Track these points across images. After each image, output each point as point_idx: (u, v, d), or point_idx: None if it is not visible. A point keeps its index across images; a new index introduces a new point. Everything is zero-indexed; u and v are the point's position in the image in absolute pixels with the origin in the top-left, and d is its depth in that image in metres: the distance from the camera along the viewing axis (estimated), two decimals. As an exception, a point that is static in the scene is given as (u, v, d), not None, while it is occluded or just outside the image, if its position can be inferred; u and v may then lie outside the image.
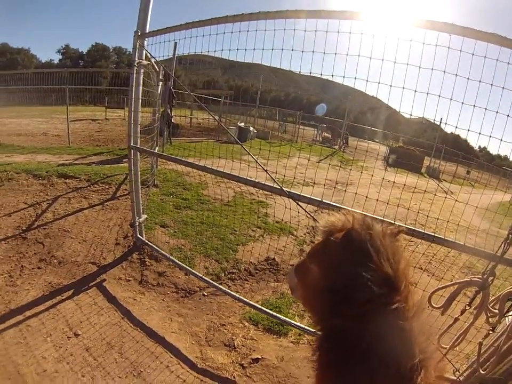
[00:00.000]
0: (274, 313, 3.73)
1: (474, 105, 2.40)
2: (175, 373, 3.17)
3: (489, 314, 2.20)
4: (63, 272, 4.50)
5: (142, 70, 4.63)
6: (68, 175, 7.29)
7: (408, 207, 3.97)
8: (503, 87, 2.30)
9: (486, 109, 2.37)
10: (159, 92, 7.28)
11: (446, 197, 3.53)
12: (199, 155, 5.82)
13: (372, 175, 3.88)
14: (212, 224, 5.97)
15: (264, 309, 3.80)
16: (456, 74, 2.43)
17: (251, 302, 3.91)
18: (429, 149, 27.56)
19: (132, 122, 4.56)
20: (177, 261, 4.57)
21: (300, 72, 3.26)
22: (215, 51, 3.50)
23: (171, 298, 4.30)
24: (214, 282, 4.26)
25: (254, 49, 3.16)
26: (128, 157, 4.72)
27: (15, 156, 9.70)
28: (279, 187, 3.19)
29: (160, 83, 7.31)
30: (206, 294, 4.40)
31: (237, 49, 3.29)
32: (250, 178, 3.44)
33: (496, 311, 2.16)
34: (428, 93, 2.59)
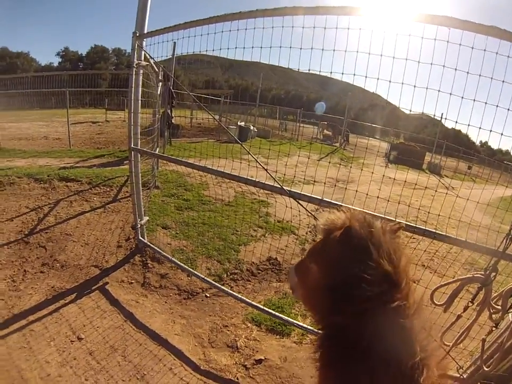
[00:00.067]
0: (277, 314, 3.72)
1: (474, 100, 2.38)
2: (178, 375, 3.17)
3: (492, 311, 2.19)
4: (66, 275, 4.50)
5: (141, 71, 4.63)
6: (69, 178, 7.29)
7: (409, 203, 3.95)
8: (503, 81, 2.28)
9: (486, 103, 2.35)
10: (158, 92, 7.28)
11: (447, 193, 3.51)
12: (200, 155, 5.82)
13: (372, 172, 3.87)
14: (213, 225, 5.97)
15: (267, 309, 3.79)
16: (455, 69, 2.41)
17: (253, 303, 3.90)
18: (430, 145, 27.50)
19: (132, 123, 4.55)
20: (179, 263, 4.57)
21: (298, 69, 3.24)
22: (213, 50, 3.49)
23: (173, 300, 4.30)
24: (216, 283, 4.25)
25: (253, 47, 3.16)
26: (129, 158, 4.72)
27: (17, 160, 9.72)
28: (279, 186, 3.18)
29: (160, 84, 7.32)
30: (208, 295, 4.40)
31: (235, 48, 3.29)
32: (250, 178, 3.43)
33: (499, 307, 2.15)
34: (427, 88, 2.57)
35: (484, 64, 2.32)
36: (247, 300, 3.95)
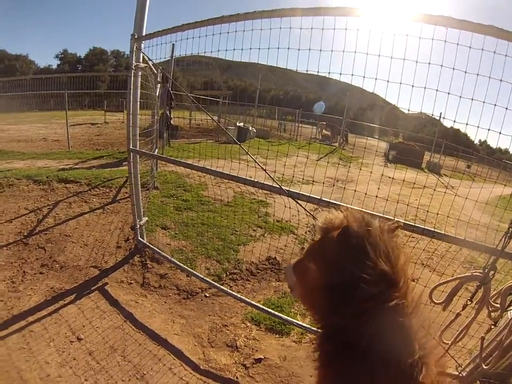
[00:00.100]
0: (276, 313, 3.73)
1: (472, 99, 2.39)
2: (178, 375, 3.17)
3: (491, 309, 2.19)
4: (65, 276, 4.50)
5: (140, 73, 4.63)
6: (68, 179, 7.29)
7: (408, 202, 3.95)
8: (500, 80, 2.29)
9: (484, 102, 2.36)
10: (157, 94, 7.28)
11: (446, 192, 3.52)
12: (199, 156, 5.83)
13: (371, 172, 3.88)
14: (212, 225, 5.97)
15: (266, 308, 3.80)
16: (453, 68, 2.42)
17: (253, 302, 3.91)
18: (429, 144, 27.53)
19: (131, 125, 4.55)
20: (178, 263, 4.57)
21: (296, 70, 3.25)
22: (211, 52, 3.51)
23: (173, 300, 4.30)
24: (215, 283, 4.25)
25: (251, 48, 3.16)
26: (128, 159, 4.72)
27: (15, 162, 9.71)
28: (278, 186, 3.18)
29: (159, 85, 7.32)
30: (207, 295, 4.40)
31: (233, 49, 3.29)
32: (249, 178, 3.43)
33: (498, 305, 2.15)
34: (425, 88, 2.58)
35: (482, 63, 2.33)
36: (246, 299, 3.95)
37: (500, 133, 2.39)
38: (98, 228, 5.65)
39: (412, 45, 2.55)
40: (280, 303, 4.25)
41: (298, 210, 3.42)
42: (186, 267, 4.51)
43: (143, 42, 4.41)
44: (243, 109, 29.40)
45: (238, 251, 5.30)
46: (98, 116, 25.25)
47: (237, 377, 3.21)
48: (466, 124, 2.55)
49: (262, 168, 3.33)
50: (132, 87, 4.46)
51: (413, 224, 2.67)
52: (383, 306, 0.93)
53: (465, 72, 2.37)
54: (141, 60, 4.55)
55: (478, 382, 2.71)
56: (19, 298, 4.01)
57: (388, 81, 2.65)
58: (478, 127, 2.46)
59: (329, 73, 3.01)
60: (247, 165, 3.76)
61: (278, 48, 3.04)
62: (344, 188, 3.79)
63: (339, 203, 2.76)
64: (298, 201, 3.13)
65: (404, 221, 2.55)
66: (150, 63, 5.02)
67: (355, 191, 3.30)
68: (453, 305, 2.27)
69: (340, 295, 0.99)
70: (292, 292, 1.36)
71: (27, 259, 4.78)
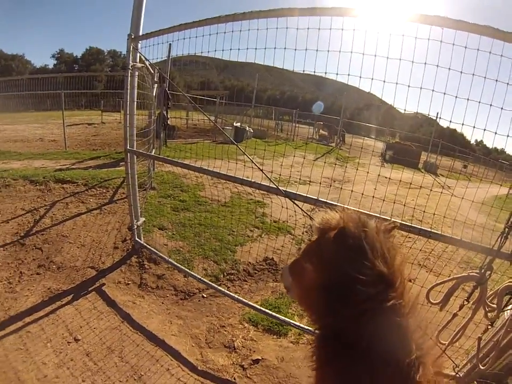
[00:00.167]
0: (273, 314, 3.73)
1: (468, 99, 2.39)
2: (175, 376, 3.17)
3: (487, 309, 2.20)
4: (62, 277, 4.50)
5: (137, 73, 4.62)
6: (65, 180, 7.28)
7: (404, 203, 3.96)
8: (496, 80, 2.29)
9: (479, 102, 2.37)
10: (154, 94, 7.28)
11: (442, 192, 3.53)
12: (196, 156, 5.83)
13: (368, 172, 3.89)
14: (209, 226, 5.97)
15: (264, 309, 3.80)
16: (449, 68, 2.43)
17: (250, 303, 3.91)
18: (426, 144, 27.57)
19: (128, 125, 4.55)
20: (176, 263, 4.57)
21: (293, 70, 3.26)
22: (208, 52, 3.50)
23: (170, 301, 4.30)
24: (213, 284, 4.25)
25: (247, 48, 3.16)
26: (125, 160, 4.71)
27: (12, 162, 9.69)
28: (275, 186, 3.19)
29: (155, 85, 7.31)
30: (205, 295, 4.40)
31: (230, 49, 3.29)
32: (246, 179, 3.44)
33: (495, 305, 2.16)
34: (421, 88, 2.59)
35: (478, 63, 2.34)
36: (243, 300, 3.95)
37: (496, 133, 2.40)
38: (96, 228, 5.64)
39: (408, 45, 2.56)
40: (278, 303, 4.25)
41: (295, 211, 3.42)
42: (183, 268, 4.51)
43: (140, 42, 4.40)
44: (240, 109, 29.40)
45: (235, 252, 5.30)
46: (95, 116, 25.25)
47: (234, 378, 3.21)
48: (462, 124, 2.56)
49: (259, 168, 3.34)
50: (128, 87, 4.46)
51: (410, 224, 2.67)
52: (380, 306, 0.94)
53: (461, 72, 2.37)
54: (138, 60, 4.54)
55: (475, 382, 2.72)
56: (16, 299, 4.00)
57: (384, 81, 2.65)
58: (474, 127, 2.46)
59: (325, 73, 3.02)
60: (244, 165, 3.76)
61: (275, 48, 3.05)
62: (341, 188, 3.79)
63: (336, 203, 2.76)
64: (295, 201, 3.13)
65: (400, 221, 2.55)
66: (147, 63, 5.01)
67: (352, 191, 3.31)
68: (449, 306, 2.27)
69: (337, 295, 0.99)
70: (288, 293, 1.36)
71: (24, 260, 4.77)
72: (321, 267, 1.10)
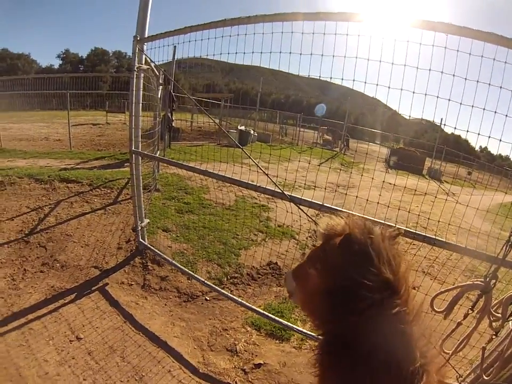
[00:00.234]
0: (276, 318, 3.72)
1: (472, 106, 2.39)
2: (177, 378, 3.17)
3: (492, 319, 2.19)
4: (66, 276, 4.51)
5: (142, 75, 4.64)
6: (69, 179, 7.31)
7: (409, 209, 3.96)
8: (500, 87, 2.29)
9: (484, 109, 2.37)
10: (159, 96, 7.30)
11: (446, 199, 3.52)
12: (201, 159, 5.83)
13: (373, 178, 3.88)
14: (214, 229, 5.97)
15: (267, 313, 3.79)
16: (453, 75, 2.43)
17: (253, 307, 3.90)
18: (430, 150, 27.47)
19: (133, 126, 4.57)
20: (179, 266, 4.57)
21: (298, 74, 3.26)
22: (214, 55, 3.52)
23: (173, 303, 4.31)
24: (216, 287, 4.25)
25: (253, 52, 3.18)
26: (130, 161, 4.73)
27: (17, 161, 9.74)
28: (280, 191, 3.19)
29: (160, 87, 7.34)
30: (208, 298, 4.40)
31: (236, 53, 3.31)
32: (252, 183, 3.44)
33: (499, 315, 2.15)
34: (426, 94, 2.59)
35: (482, 70, 2.34)
36: (247, 303, 3.95)
37: (500, 140, 2.40)
38: (100, 228, 5.66)
39: (413, 51, 2.56)
40: (281, 308, 4.24)
41: (300, 216, 3.42)
42: (187, 270, 4.51)
43: (145, 44, 4.43)
44: (244, 112, 29.42)
45: (239, 255, 5.30)
46: (100, 117, 25.32)
47: (236, 382, 3.21)
48: (467, 131, 2.56)
49: (265, 173, 3.34)
50: (134, 89, 4.48)
51: (414, 231, 2.67)
52: (385, 313, 0.94)
53: (465, 79, 2.38)
54: (143, 62, 4.57)
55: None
56: (19, 296, 4.02)
57: (388, 87, 2.66)
58: (478, 134, 2.46)
59: (331, 78, 3.02)
60: (250, 169, 3.77)
61: (280, 52, 3.06)
62: (346, 194, 3.79)
63: (341, 209, 2.77)
64: (300, 206, 3.13)
65: (405, 228, 2.55)
66: (152, 65, 5.04)
67: (357, 197, 3.30)
68: (454, 314, 2.26)
69: (342, 301, 1.00)
70: (292, 298, 1.36)
71: (28, 257, 4.79)
72: (326, 272, 1.10)
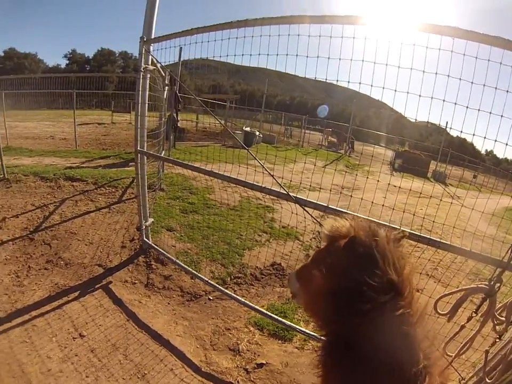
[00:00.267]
0: (279, 318, 3.72)
1: (479, 110, 2.39)
2: (179, 376, 3.17)
3: (496, 322, 2.18)
4: (70, 273, 4.53)
5: (148, 75, 4.66)
6: (75, 178, 7.35)
7: (414, 212, 3.95)
8: (507, 90, 2.29)
9: (490, 112, 2.36)
10: (165, 96, 7.32)
11: (452, 202, 3.51)
12: (206, 159, 5.85)
13: (378, 180, 3.88)
14: (218, 229, 5.98)
15: (270, 313, 3.79)
16: (460, 78, 2.42)
17: (256, 307, 3.91)
18: (435, 153, 27.38)
19: (139, 126, 4.58)
20: (183, 265, 4.58)
21: (305, 76, 3.27)
22: (220, 56, 3.52)
23: (176, 302, 4.31)
24: (219, 287, 4.26)
25: (259, 54, 3.18)
26: (135, 161, 4.75)
27: (23, 159, 9.81)
28: (285, 192, 3.19)
29: (166, 88, 7.36)
30: (211, 298, 4.41)
31: (242, 55, 3.31)
32: (257, 184, 3.44)
33: (503, 318, 2.14)
34: (432, 97, 2.58)
35: (488, 73, 2.34)
36: (250, 303, 3.95)
37: (507, 144, 2.39)
38: (104, 226, 5.68)
39: (419, 54, 2.56)
40: (284, 309, 4.24)
41: (304, 217, 3.42)
42: (190, 269, 4.52)
43: (151, 45, 4.44)
44: (250, 114, 29.45)
45: (243, 255, 5.31)
46: (106, 116, 25.45)
47: (238, 381, 3.21)
48: (473, 135, 2.55)
49: (270, 174, 3.35)
50: (140, 89, 4.49)
51: (419, 234, 2.66)
52: (389, 315, 0.94)
53: (472, 82, 2.37)
54: (150, 62, 4.58)
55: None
56: (23, 293, 4.04)
57: (395, 90, 2.65)
58: (484, 137, 2.46)
59: (337, 80, 3.02)
60: (255, 170, 3.77)
61: (287, 54, 3.06)
62: (351, 196, 3.79)
63: (346, 211, 2.76)
64: (305, 208, 3.13)
65: (409, 231, 2.54)
66: (159, 65, 5.05)
67: (362, 199, 3.30)
68: (457, 317, 2.25)
69: (346, 302, 1.00)
70: (295, 299, 1.36)
71: (32, 254, 4.82)
72: (330, 274, 1.10)
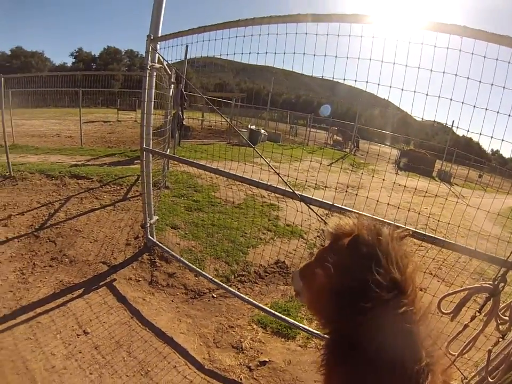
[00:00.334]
0: (282, 316, 3.73)
1: (486, 109, 2.37)
2: (182, 374, 3.18)
3: (499, 322, 2.17)
4: (74, 270, 4.55)
5: (155, 73, 4.67)
6: (80, 175, 7.39)
7: (419, 211, 3.93)
8: (514, 90, 2.28)
9: (498, 112, 2.35)
10: (171, 94, 7.33)
11: (457, 202, 3.50)
12: (211, 157, 5.86)
13: (384, 179, 3.87)
14: (222, 227, 5.99)
15: (273, 311, 3.80)
16: (468, 78, 2.41)
17: (260, 305, 3.91)
18: (441, 152, 27.25)
19: (145, 124, 4.60)
20: (187, 263, 4.59)
21: (312, 75, 3.26)
22: (227, 55, 3.53)
23: (180, 299, 4.32)
24: (223, 284, 4.26)
25: (266, 52, 3.18)
26: (141, 158, 4.75)
27: (29, 156, 9.87)
28: (291, 190, 3.19)
29: (172, 86, 7.37)
30: (215, 295, 4.42)
31: (249, 53, 3.31)
32: (262, 182, 3.44)
33: (507, 318, 2.13)
34: (439, 97, 2.57)
35: (496, 72, 2.32)
36: (253, 301, 3.96)
37: (514, 143, 2.38)
38: (109, 224, 5.70)
39: (427, 53, 2.55)
40: (287, 306, 4.24)
41: (310, 215, 3.42)
42: (194, 267, 4.53)
43: (158, 43, 4.45)
44: (255, 112, 29.44)
45: (247, 253, 5.31)
46: (111, 114, 25.50)
47: (241, 379, 3.21)
48: (480, 134, 2.54)
49: (276, 172, 3.35)
50: (146, 87, 4.50)
51: (424, 233, 2.66)
52: (392, 313, 0.94)
53: (480, 81, 2.35)
54: (156, 61, 4.59)
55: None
56: (28, 290, 4.07)
57: (402, 89, 2.65)
58: (491, 137, 2.45)
59: (344, 79, 3.01)
60: (261, 168, 3.77)
61: (294, 53, 3.06)
62: (357, 194, 3.78)
63: (351, 209, 2.76)
64: (311, 206, 3.13)
65: (414, 229, 2.54)
66: (165, 63, 5.06)
67: (367, 197, 3.30)
68: (461, 316, 2.24)
69: (349, 301, 1.00)
70: (298, 297, 1.36)
71: (37, 252, 4.84)
72: (334, 273, 1.10)
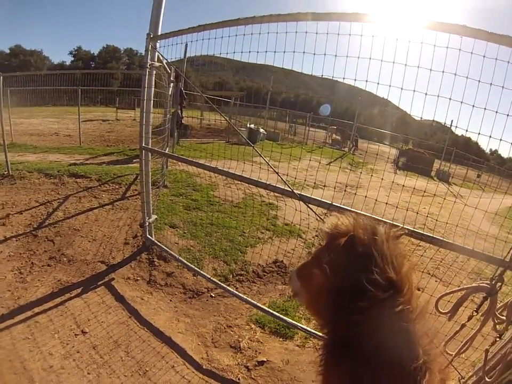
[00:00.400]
0: (281, 316, 3.72)
1: (485, 108, 2.38)
2: (180, 373, 3.18)
3: (496, 321, 2.17)
4: (73, 270, 4.55)
5: (154, 72, 4.67)
6: (78, 174, 7.39)
7: (417, 210, 3.93)
8: (514, 89, 2.27)
9: (496, 111, 2.35)
10: (170, 93, 7.33)
11: (455, 201, 3.50)
12: (210, 156, 5.85)
13: (382, 178, 3.87)
14: (221, 226, 5.99)
15: (271, 311, 3.79)
16: (467, 77, 2.41)
17: (258, 304, 3.90)
18: (439, 152, 27.27)
19: (144, 123, 4.59)
20: (185, 262, 4.59)
21: (311, 74, 3.26)
22: (227, 53, 3.52)
23: (178, 299, 4.32)
24: (221, 284, 4.26)
25: (266, 51, 3.18)
26: (140, 157, 4.75)
27: (28, 155, 9.85)
28: (290, 189, 3.19)
29: (171, 84, 7.36)
30: (213, 295, 4.41)
31: (249, 52, 3.31)
32: (261, 181, 3.44)
33: (504, 318, 2.14)
34: (438, 96, 2.57)
35: (495, 72, 2.32)
36: (252, 301, 3.96)
37: (512, 143, 2.38)
38: (107, 223, 5.70)
39: (426, 52, 2.55)
40: (286, 306, 4.24)
41: (308, 214, 3.42)
42: (193, 266, 4.52)
43: (158, 41, 4.45)
44: (254, 111, 29.43)
45: (246, 253, 5.31)
46: (110, 113, 25.48)
47: (239, 379, 3.21)
48: (479, 134, 2.53)
49: (275, 171, 3.35)
50: (146, 86, 4.50)
51: (422, 232, 2.66)
52: (388, 312, 0.94)
53: (479, 81, 2.36)
54: (156, 59, 4.59)
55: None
56: (26, 289, 4.06)
57: (401, 88, 2.65)
58: (490, 137, 2.45)
59: (344, 78, 3.02)
60: (260, 167, 3.77)
61: (294, 52, 3.06)
62: (355, 194, 3.78)
63: (349, 208, 2.76)
64: (309, 205, 3.13)
65: (412, 229, 2.54)
66: (164, 62, 5.06)
67: (365, 197, 3.30)
68: (458, 316, 2.25)
69: (347, 301, 1.00)
70: (296, 297, 1.37)
71: (36, 251, 4.84)
72: (331, 272, 1.10)
